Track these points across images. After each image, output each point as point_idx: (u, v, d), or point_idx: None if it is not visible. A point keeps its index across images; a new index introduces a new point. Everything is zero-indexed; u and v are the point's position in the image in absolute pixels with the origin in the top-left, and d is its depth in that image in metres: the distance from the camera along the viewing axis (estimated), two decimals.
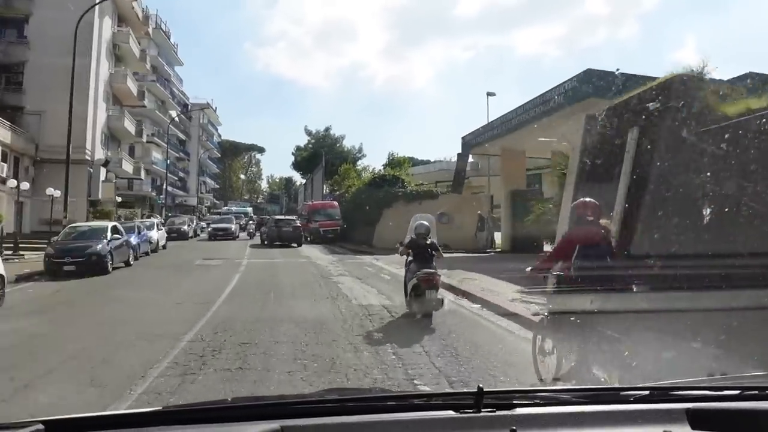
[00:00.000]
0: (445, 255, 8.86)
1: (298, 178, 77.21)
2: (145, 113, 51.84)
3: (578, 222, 5.02)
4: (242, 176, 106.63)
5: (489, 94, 28.70)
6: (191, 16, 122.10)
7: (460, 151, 27.75)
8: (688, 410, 1.54)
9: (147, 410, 1.68)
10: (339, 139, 62.83)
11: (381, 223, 23.23)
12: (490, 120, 23.10)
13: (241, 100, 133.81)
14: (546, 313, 5.28)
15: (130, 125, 35.62)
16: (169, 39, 56.51)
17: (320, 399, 1.78)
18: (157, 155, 54.57)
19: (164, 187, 41.17)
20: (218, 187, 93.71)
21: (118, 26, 35.07)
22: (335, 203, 30.80)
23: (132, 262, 16.22)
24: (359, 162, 60.77)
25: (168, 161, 63.86)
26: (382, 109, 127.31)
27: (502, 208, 22.46)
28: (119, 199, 31.18)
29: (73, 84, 23.72)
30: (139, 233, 18.68)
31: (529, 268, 5.33)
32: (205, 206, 74.83)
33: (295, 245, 26.21)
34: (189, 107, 77.02)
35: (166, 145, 50.98)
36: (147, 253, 19.94)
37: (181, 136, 71.17)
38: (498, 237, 23.66)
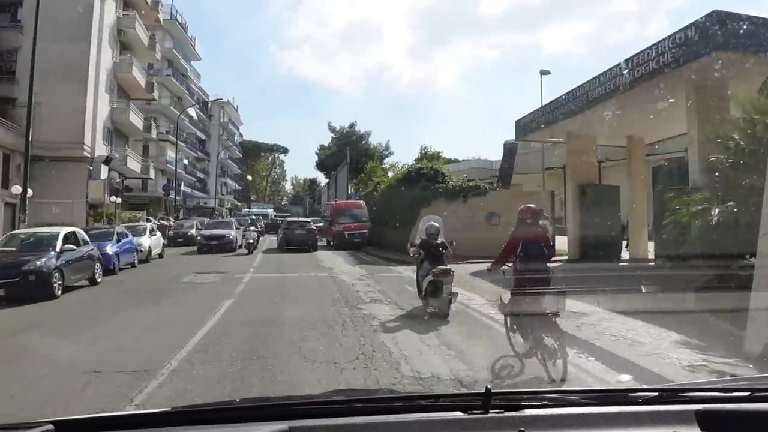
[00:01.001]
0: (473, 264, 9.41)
1: (323, 179, 74.00)
2: (160, 109, 49.10)
3: (520, 224, 6.21)
4: (265, 177, 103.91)
5: (543, 72, 24.56)
6: (216, 21, 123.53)
7: (507, 140, 23.70)
8: (697, 412, 1.52)
9: (156, 411, 1.68)
10: (364, 135, 59.20)
11: (418, 225, 19.30)
12: (541, 105, 19.13)
13: (266, 103, 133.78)
14: (507, 297, 6.06)
15: (136, 119, 32.48)
16: (185, 32, 53.69)
17: (328, 400, 1.78)
18: (172, 154, 51.67)
19: (173, 186, 37.83)
20: (240, 188, 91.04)
21: (123, 11, 32.00)
22: (362, 203, 26.83)
23: (100, 279, 12.60)
24: (386, 160, 57.17)
25: (186, 161, 61.28)
26: (408, 110, 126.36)
27: (568, 207, 18.27)
28: (117, 200, 27.91)
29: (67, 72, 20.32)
30: (119, 241, 15.16)
31: (488, 265, 6.49)
32: (226, 208, 71.95)
33: (310, 250, 23.67)
34: (209, 105, 74.55)
35: (176, 141, 47.84)
36: (133, 265, 16.53)
37: (201, 135, 68.45)
38: (558, 240, 19.44)
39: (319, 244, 25.69)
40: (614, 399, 1.72)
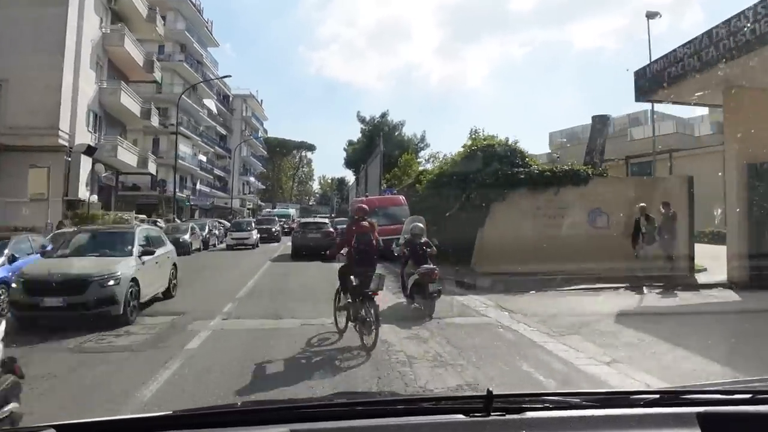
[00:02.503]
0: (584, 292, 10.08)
1: (351, 178, 68.61)
2: (171, 98, 44.21)
3: (352, 218, 8.48)
4: (291, 176, 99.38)
5: (650, 15, 18.22)
6: (245, 22, 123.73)
7: (597, 114, 17.48)
8: (699, 414, 1.51)
9: (157, 414, 1.68)
10: (397, 126, 53.40)
11: (489, 226, 13.27)
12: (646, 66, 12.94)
13: (294, 104, 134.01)
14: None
15: (130, 103, 27.31)
16: (200, 14, 48.83)
17: (329, 403, 1.78)
18: (185, 149, 46.83)
19: (174, 181, 32.50)
20: (264, 188, 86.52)
21: None
22: (401, 198, 20.36)
23: None
24: (421, 153, 51.34)
25: (205, 157, 56.62)
26: (437, 109, 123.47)
27: (729, 199, 11.95)
28: (92, 198, 22.60)
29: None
30: (12, 261, 9.42)
31: (328, 251, 8.99)
32: (248, 209, 67.05)
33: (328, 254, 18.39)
34: (230, 98, 69.85)
35: (176, 131, 42.96)
36: None
37: (221, 130, 63.75)
38: (692, 251, 13.18)
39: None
40: (616, 402, 1.70)
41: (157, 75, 30.79)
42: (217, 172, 60.49)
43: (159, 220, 33.74)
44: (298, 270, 16.45)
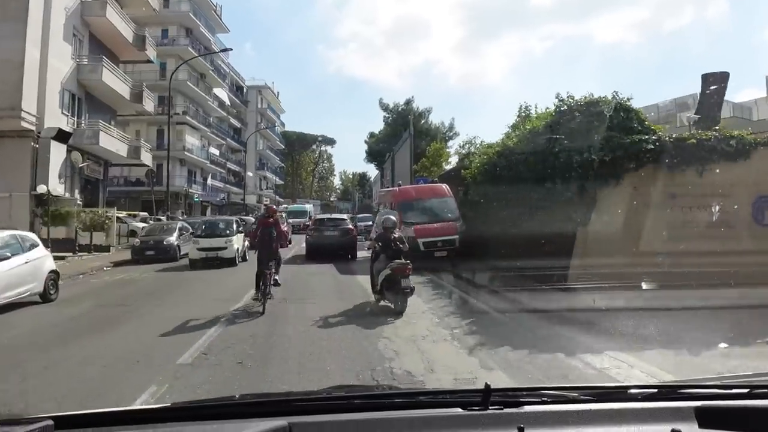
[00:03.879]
0: None
1: (373, 172, 64.20)
2: (176, 86, 40.25)
3: (262, 216, 11.02)
4: (311, 172, 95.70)
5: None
6: (265, 22, 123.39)
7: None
8: (696, 408, 1.50)
9: (156, 407, 1.71)
10: (424, 113, 48.64)
11: (596, 221, 8.60)
12: None
13: (314, 102, 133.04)
14: None
15: (115, 82, 23.29)
16: None
17: (328, 396, 1.78)
18: (193, 140, 42.93)
19: (167, 172, 28.32)
20: (283, 183, 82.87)
21: None
22: (444, 188, 15.65)
23: None
24: (450, 143, 46.64)
25: (217, 150, 52.79)
26: (458, 106, 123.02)
27: None
28: (55, 191, 18.46)
29: None
30: None
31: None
32: (264, 205, 63.04)
33: (348, 257, 17.03)
34: (245, 89, 65.97)
35: (180, 121, 39.24)
36: None
37: (235, 122, 59.86)
38: None
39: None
40: (614, 396, 1.70)
41: (151, 54, 26.71)
42: (231, 166, 56.68)
43: (162, 217, 30.07)
44: (312, 288, 11.98)
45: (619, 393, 1.73)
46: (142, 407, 1.68)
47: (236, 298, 9.75)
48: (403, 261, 8.49)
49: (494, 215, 11.70)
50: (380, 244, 8.95)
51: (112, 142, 23.21)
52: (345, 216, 24.35)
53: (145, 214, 32.28)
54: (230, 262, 15.64)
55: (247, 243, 16.46)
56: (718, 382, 1.82)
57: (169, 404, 1.71)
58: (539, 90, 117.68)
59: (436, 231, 13.62)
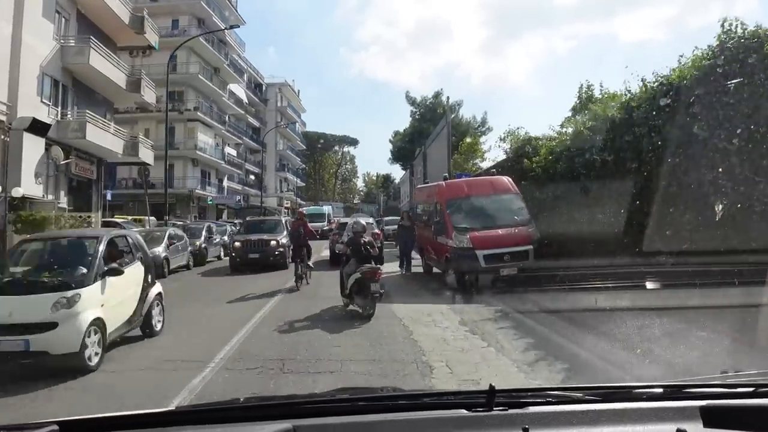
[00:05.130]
0: None
1: (398, 174, 60.70)
2: (187, 80, 37.62)
3: (294, 219, 13.93)
4: (333, 174, 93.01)
5: None
6: (287, 26, 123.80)
7: None
8: (701, 408, 1.50)
9: (160, 411, 1.67)
10: (454, 107, 44.90)
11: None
12: None
13: (337, 106, 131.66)
14: None
15: (107, 68, 20.33)
16: None
17: (332, 398, 1.77)
18: (206, 138, 40.13)
19: (165, 171, 25.04)
20: (304, 185, 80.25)
21: None
22: (507, 181, 11.64)
23: None
24: (482, 138, 42.99)
25: (234, 151, 50.00)
26: (481, 107, 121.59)
27: None
28: (21, 193, 15.40)
29: None
30: None
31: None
32: (285, 207, 60.21)
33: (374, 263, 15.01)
34: (263, 87, 63.25)
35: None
36: None
37: (253, 121, 57.12)
38: None
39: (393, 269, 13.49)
40: (618, 396, 1.67)
41: (152, 38, 23.72)
42: (249, 167, 53.92)
43: (174, 222, 27.42)
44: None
45: (624, 393, 1.70)
46: (146, 411, 1.49)
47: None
48: (373, 266, 8.58)
49: (582, 218, 8.14)
50: (350, 248, 8.97)
51: (103, 136, 20.24)
52: (370, 219, 22.80)
53: (153, 219, 29.51)
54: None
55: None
56: (723, 382, 1.79)
57: (173, 408, 1.78)
58: (563, 91, 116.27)
59: (502, 240, 9.82)
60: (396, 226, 34.76)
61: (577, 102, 18.17)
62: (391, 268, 13.65)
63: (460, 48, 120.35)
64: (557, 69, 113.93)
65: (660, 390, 1.65)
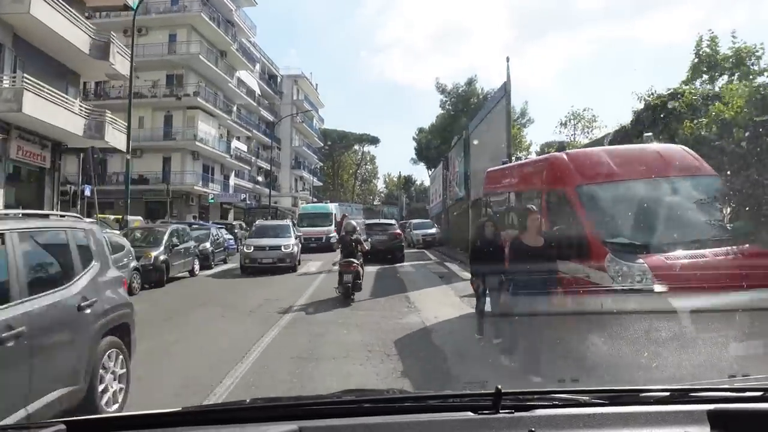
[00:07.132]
0: None
1: (420, 174, 55.79)
2: (187, 61, 33.06)
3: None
4: (353, 174, 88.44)
5: None
6: (309, 29, 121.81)
7: None
8: (709, 412, 1.47)
9: (167, 411, 1.66)
10: (488, 95, 39.85)
11: None
12: None
13: (357, 108, 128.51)
14: None
15: (58, 22, 15.61)
16: None
17: (338, 400, 1.77)
18: (208, 128, 35.50)
19: (129, 167, 20.15)
20: (321, 185, 75.84)
21: None
22: (690, 154, 5.85)
23: None
24: (524, 131, 38.00)
25: (245, 146, 45.47)
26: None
27: None
28: None
29: None
30: None
31: None
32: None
33: (394, 261, 18.10)
34: (278, 78, 58.70)
35: (193, 105, 31.74)
36: None
37: (267, 114, 52.51)
38: None
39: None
40: (625, 399, 1.66)
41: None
42: (261, 164, 49.37)
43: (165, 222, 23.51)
44: None
45: (631, 396, 1.68)
46: (153, 412, 1.50)
47: None
48: (349, 260, 10.29)
49: None
50: (341, 245, 11.20)
51: (55, 112, 15.58)
52: (392, 221, 23.52)
53: (139, 218, 25.00)
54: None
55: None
56: (731, 386, 1.77)
57: (179, 408, 1.70)
58: (586, 94, 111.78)
59: (719, 274, 4.34)
60: (425, 232, 29.56)
61: (695, 60, 12.94)
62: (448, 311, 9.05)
63: (481, 51, 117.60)
64: (580, 72, 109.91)
65: (667, 393, 1.64)
